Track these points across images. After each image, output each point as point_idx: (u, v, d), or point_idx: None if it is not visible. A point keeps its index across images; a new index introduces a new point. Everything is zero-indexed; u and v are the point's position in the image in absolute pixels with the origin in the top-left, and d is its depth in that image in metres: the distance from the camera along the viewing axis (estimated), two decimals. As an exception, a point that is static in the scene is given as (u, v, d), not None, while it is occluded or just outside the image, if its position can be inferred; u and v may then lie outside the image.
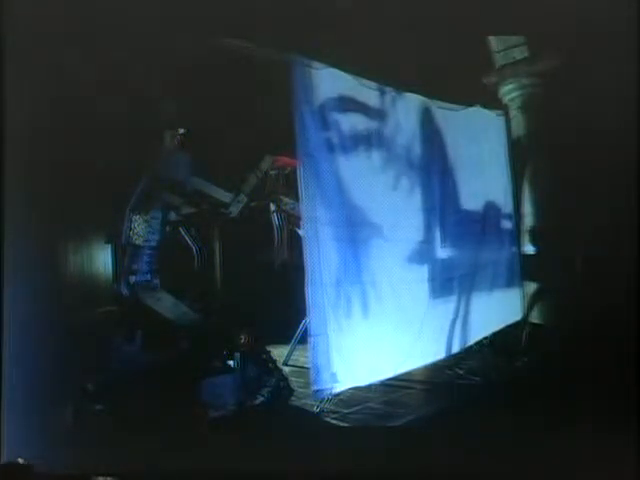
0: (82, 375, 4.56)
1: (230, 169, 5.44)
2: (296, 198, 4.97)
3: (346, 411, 4.87)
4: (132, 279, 5.00)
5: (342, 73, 5.00)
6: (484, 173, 6.37)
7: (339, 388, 4.73)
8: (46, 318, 4.33)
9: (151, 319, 4.97)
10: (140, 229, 5.02)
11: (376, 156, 5.27)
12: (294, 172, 4.89)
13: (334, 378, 4.63)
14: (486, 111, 6.45)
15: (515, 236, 6.55)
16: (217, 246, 5.94)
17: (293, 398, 5.01)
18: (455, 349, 5.88)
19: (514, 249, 6.55)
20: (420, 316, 5.47)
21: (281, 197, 5.56)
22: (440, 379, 5.67)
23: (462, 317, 5.98)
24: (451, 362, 5.88)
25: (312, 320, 4.59)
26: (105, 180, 4.74)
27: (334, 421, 4.73)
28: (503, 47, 6.29)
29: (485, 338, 6.24)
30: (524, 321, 6.36)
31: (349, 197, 4.94)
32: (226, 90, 5.09)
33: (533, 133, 6.45)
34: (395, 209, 5.36)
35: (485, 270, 6.25)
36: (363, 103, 5.20)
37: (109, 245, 5.11)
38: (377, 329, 5.04)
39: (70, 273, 4.84)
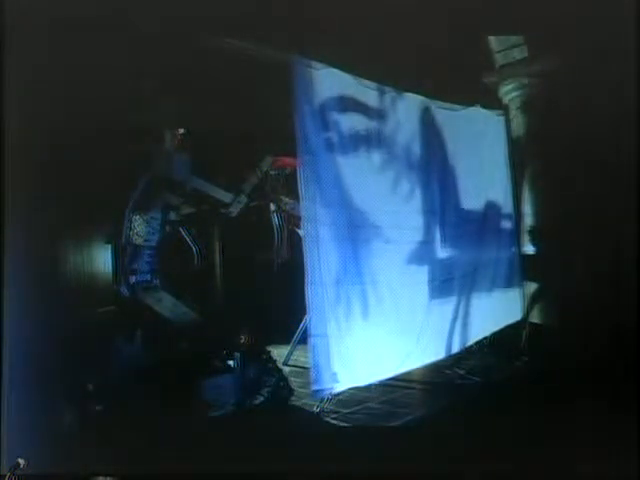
0: (82, 375, 4.56)
1: (230, 169, 5.45)
2: (296, 198, 4.97)
3: (346, 411, 4.87)
4: (132, 279, 5.02)
5: (342, 73, 5.00)
6: (484, 173, 6.37)
7: (339, 388, 4.73)
8: (46, 318, 4.33)
9: (151, 319, 4.98)
10: (140, 229, 5.04)
11: (376, 156, 5.27)
12: (294, 172, 4.89)
13: (334, 378, 4.63)
14: (486, 111, 6.45)
15: (515, 236, 6.55)
16: (217, 246, 5.94)
17: (293, 398, 5.02)
18: (455, 349, 5.88)
19: (514, 249, 6.55)
20: (420, 316, 5.47)
21: (281, 197, 5.56)
22: (440, 379, 5.67)
23: (462, 317, 5.97)
24: (451, 362, 5.88)
25: (312, 320, 4.59)
26: (105, 180, 4.74)
27: (334, 421, 4.73)
28: (503, 47, 6.29)
29: (485, 338, 6.25)
30: (524, 321, 6.35)
31: (349, 197, 4.94)
32: (226, 90, 5.09)
33: (533, 133, 6.45)
34: (395, 209, 5.36)
35: (485, 270, 6.25)
36: (363, 103, 5.20)
37: (109, 245, 5.10)
38: (377, 329, 5.04)
39: (70, 273, 4.84)
